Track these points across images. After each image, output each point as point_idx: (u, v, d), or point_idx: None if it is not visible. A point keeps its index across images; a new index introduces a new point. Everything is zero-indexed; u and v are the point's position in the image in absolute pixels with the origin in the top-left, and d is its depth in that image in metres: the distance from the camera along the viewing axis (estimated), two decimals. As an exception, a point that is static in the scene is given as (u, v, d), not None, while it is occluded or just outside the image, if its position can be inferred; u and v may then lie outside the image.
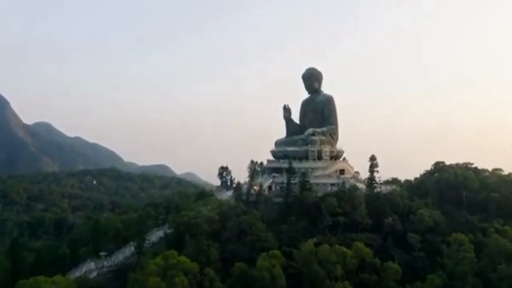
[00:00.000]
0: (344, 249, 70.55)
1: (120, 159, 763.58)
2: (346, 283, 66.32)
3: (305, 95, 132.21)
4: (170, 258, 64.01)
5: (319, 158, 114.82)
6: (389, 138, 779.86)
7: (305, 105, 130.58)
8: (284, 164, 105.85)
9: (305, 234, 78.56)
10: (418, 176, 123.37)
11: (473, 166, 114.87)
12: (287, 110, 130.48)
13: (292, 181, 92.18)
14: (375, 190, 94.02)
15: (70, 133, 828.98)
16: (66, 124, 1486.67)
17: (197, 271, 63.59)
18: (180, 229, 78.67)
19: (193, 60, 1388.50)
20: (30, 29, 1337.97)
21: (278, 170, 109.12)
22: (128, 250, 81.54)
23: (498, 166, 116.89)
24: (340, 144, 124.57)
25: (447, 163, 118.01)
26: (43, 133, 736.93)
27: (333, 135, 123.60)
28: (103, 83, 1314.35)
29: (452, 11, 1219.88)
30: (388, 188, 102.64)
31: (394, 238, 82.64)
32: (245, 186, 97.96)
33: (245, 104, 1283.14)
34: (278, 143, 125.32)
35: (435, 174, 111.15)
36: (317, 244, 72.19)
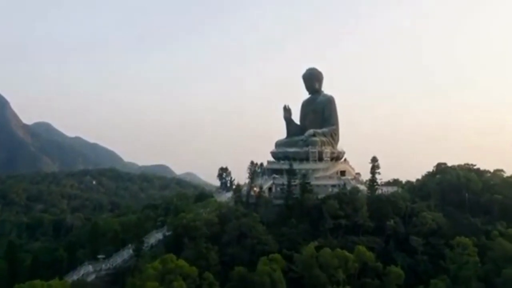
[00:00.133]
0: (346, 253, 69.45)
1: (120, 159, 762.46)
2: (348, 287, 65.21)
3: (305, 95, 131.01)
4: (168, 262, 62.90)
5: (320, 159, 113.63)
6: (389, 138, 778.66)
7: (306, 105, 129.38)
8: (285, 165, 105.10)
9: (306, 237, 77.78)
10: (419, 177, 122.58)
11: (475, 167, 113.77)
12: (287, 111, 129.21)
13: (293, 183, 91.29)
14: (377, 192, 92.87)
15: (70, 133, 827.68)
16: (66, 124, 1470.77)
17: (196, 275, 62.60)
18: (179, 231, 77.89)
19: (193, 60, 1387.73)
20: (30, 29, 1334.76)
21: (278, 172, 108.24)
22: (127, 253, 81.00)
23: (498, 167, 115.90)
24: (340, 145, 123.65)
25: (448, 163, 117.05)
26: (43, 133, 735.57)
27: (333, 136, 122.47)
28: (103, 83, 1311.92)
29: (452, 11, 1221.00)
30: (389, 189, 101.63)
31: (396, 241, 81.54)
32: (245, 188, 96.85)
33: (245, 104, 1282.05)
34: (278, 144, 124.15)
35: (437, 176, 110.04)
36: (318, 248, 71.05)
